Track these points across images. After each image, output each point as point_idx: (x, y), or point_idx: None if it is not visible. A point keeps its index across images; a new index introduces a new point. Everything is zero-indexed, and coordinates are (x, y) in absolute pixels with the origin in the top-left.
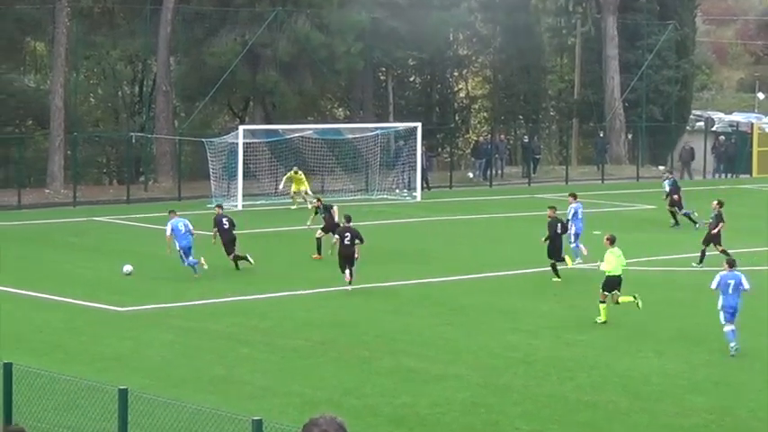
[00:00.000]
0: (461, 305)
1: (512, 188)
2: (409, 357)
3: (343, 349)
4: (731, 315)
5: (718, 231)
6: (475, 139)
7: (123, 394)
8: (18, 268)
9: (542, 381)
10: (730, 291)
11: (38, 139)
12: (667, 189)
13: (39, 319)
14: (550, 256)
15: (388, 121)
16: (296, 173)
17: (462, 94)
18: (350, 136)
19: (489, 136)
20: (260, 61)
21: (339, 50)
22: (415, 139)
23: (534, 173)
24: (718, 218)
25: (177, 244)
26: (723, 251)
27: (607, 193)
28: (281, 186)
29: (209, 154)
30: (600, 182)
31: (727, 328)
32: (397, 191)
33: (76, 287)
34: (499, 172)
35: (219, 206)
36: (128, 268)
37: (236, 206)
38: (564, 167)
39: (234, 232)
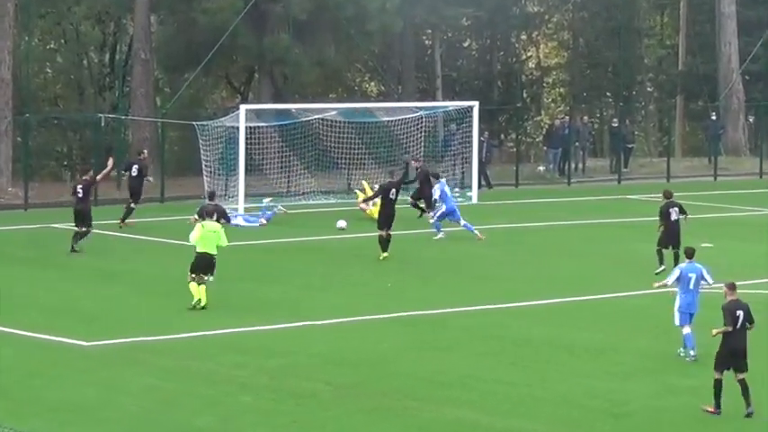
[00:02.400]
0: (528, 339)
1: (596, 187)
2: (460, 407)
3: (375, 396)
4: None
5: None
6: (548, 122)
7: None
8: None
9: None
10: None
11: None
12: None
13: None
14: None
15: (435, 100)
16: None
17: (532, 64)
18: (385, 119)
19: (567, 119)
20: (267, 21)
21: (371, 7)
22: (471, 122)
23: (626, 167)
24: None
25: None
26: None
27: (722, 193)
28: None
29: (201, 142)
30: (712, 179)
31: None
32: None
33: (29, 315)
34: (579, 165)
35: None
36: (341, 224)
37: (236, 210)
38: (664, 160)
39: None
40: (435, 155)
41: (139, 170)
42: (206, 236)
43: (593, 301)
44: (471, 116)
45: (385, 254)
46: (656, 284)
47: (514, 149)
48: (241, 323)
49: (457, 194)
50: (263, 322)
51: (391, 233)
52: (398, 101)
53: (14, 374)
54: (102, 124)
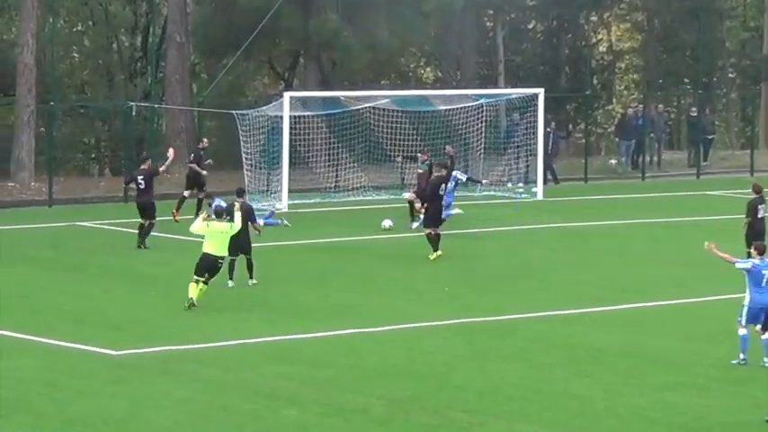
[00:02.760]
0: (600, 348)
1: (672, 182)
2: (529, 423)
3: (433, 411)
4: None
5: None
6: (620, 111)
7: None
8: None
9: None
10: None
11: None
12: None
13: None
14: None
15: (496, 87)
16: None
17: (603, 48)
18: (442, 107)
19: (641, 107)
20: (314, 1)
21: None
22: (536, 111)
23: (705, 160)
24: None
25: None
26: None
27: None
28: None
29: (241, 132)
30: None
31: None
32: (510, 185)
33: (54, 321)
34: (654, 158)
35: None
36: (387, 223)
37: (281, 206)
38: (747, 152)
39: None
40: (497, 147)
41: (198, 159)
42: (213, 236)
43: (670, 306)
44: (536, 105)
45: (437, 252)
46: (710, 246)
47: (583, 141)
48: (283, 330)
49: (520, 190)
50: (308, 329)
51: (440, 232)
52: (457, 88)
53: (36, 386)
54: (134, 113)
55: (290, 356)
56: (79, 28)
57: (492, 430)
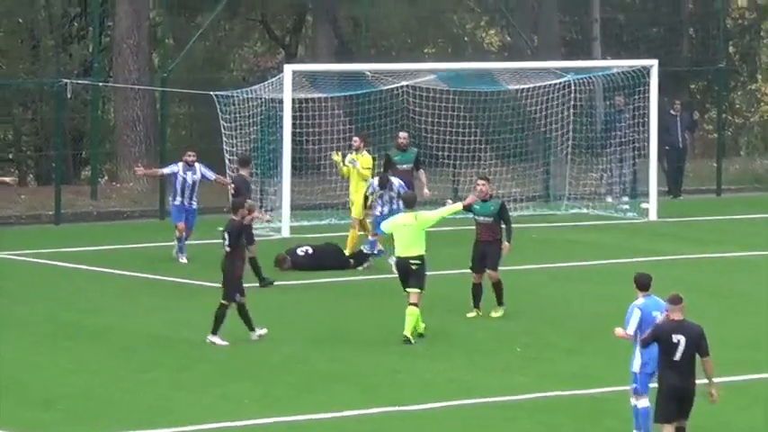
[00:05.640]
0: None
1: None
2: None
3: None
4: None
5: None
6: None
7: None
8: None
9: None
10: None
11: None
12: None
13: None
14: None
15: (590, 58)
16: None
17: (742, 2)
18: (513, 87)
19: None
20: None
21: None
22: (648, 92)
23: None
24: None
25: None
26: None
27: None
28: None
29: (222, 122)
30: None
31: None
32: (610, 199)
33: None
34: None
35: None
36: None
37: (279, 228)
38: None
39: None
40: (592, 144)
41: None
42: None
43: None
44: (648, 83)
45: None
46: None
47: (715, 136)
48: (291, 411)
49: (626, 206)
50: (324, 409)
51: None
52: (533, 59)
53: None
54: (69, 95)
55: None
56: None
57: None
